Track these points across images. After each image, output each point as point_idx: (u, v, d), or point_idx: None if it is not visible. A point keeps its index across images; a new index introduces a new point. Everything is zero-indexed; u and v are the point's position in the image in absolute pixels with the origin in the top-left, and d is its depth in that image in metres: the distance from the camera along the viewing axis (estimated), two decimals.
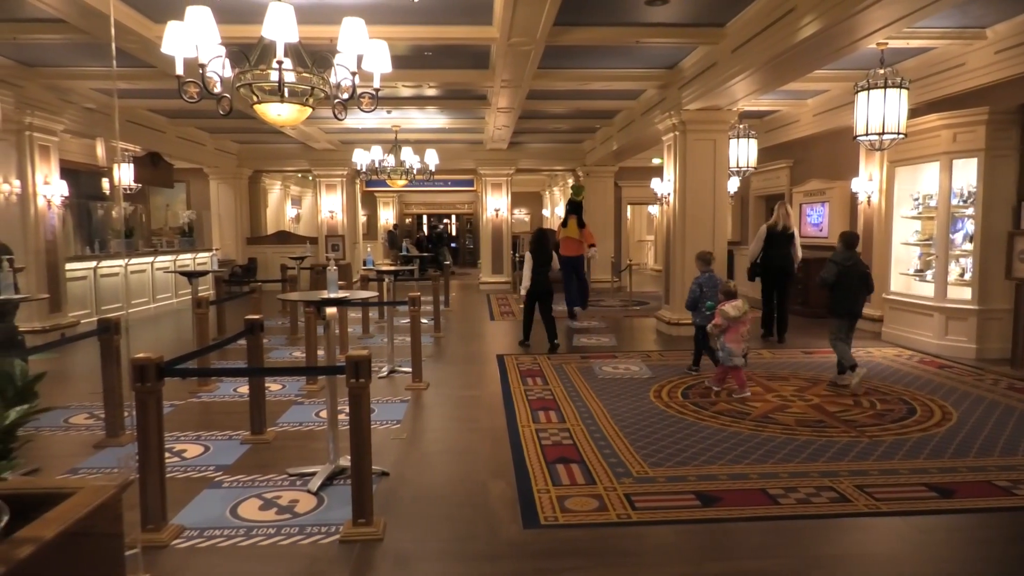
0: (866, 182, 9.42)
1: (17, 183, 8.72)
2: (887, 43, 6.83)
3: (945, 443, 4.79)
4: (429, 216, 27.91)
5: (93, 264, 10.55)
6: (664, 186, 9.83)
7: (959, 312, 7.69)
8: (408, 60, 8.02)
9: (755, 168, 10.42)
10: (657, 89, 9.55)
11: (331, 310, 4.37)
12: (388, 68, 4.34)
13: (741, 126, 9.77)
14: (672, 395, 6.15)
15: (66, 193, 9.61)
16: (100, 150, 12.23)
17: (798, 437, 4.93)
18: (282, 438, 5.04)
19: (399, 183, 11.88)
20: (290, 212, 21.52)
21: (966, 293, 7.70)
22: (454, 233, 27.83)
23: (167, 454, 4.01)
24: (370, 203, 23.67)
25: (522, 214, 25.58)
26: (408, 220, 27.23)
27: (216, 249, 15.10)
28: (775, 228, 8.72)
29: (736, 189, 11.45)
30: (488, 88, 9.26)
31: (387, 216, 25.07)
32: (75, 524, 1.54)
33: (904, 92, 6.87)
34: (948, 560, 3.27)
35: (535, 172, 19.85)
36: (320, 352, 6.39)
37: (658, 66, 8.70)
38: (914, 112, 7.67)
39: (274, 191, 19.85)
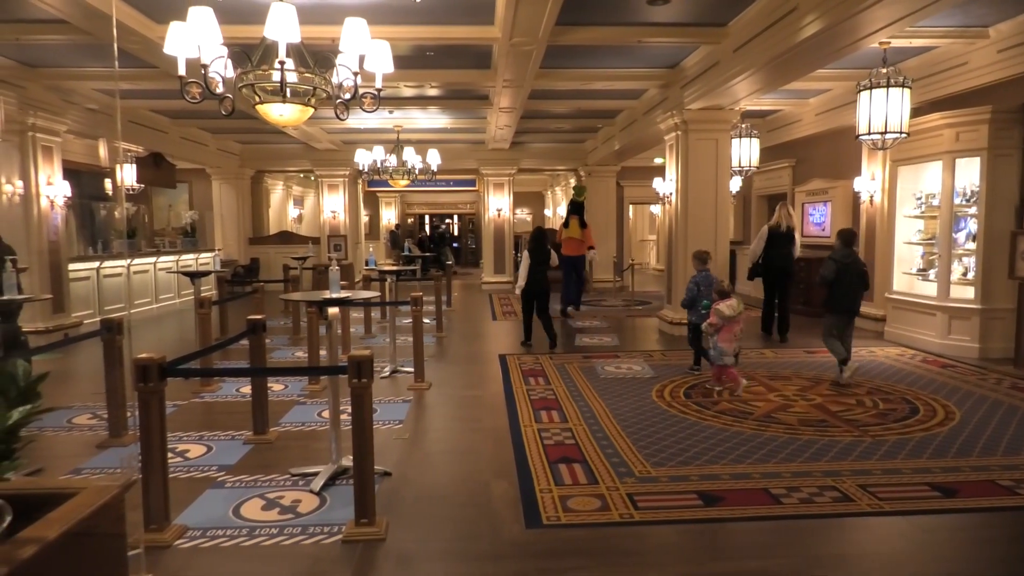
0: (868, 181, 9.41)
1: (20, 184, 8.74)
2: (889, 42, 6.82)
3: (948, 443, 4.78)
4: (431, 216, 27.90)
5: (96, 264, 10.57)
6: (666, 186, 9.82)
7: (962, 311, 7.67)
8: (410, 60, 8.02)
9: (757, 168, 10.42)
10: (659, 89, 9.54)
11: (333, 310, 4.37)
12: (390, 68, 4.34)
13: (743, 125, 9.76)
14: (674, 395, 6.14)
15: (69, 194, 9.62)
16: (103, 151, 12.24)
17: (801, 437, 4.92)
18: (284, 438, 5.05)
19: (401, 183, 11.89)
20: (292, 212, 21.55)
21: (969, 292, 7.69)
22: (456, 233, 27.83)
23: (170, 454, 4.01)
24: (372, 203, 23.69)
25: (524, 214, 25.57)
26: (410, 220, 27.23)
27: (218, 249, 15.12)
28: (777, 229, 8.75)
29: (738, 189, 11.45)
30: (490, 88, 9.25)
31: (389, 216, 25.10)
32: (78, 524, 1.54)
33: (906, 91, 6.86)
34: (951, 560, 3.27)
35: (537, 172, 19.86)
36: (322, 352, 6.40)
37: (660, 66, 8.69)
38: (916, 111, 7.65)
39: (276, 191, 19.87)
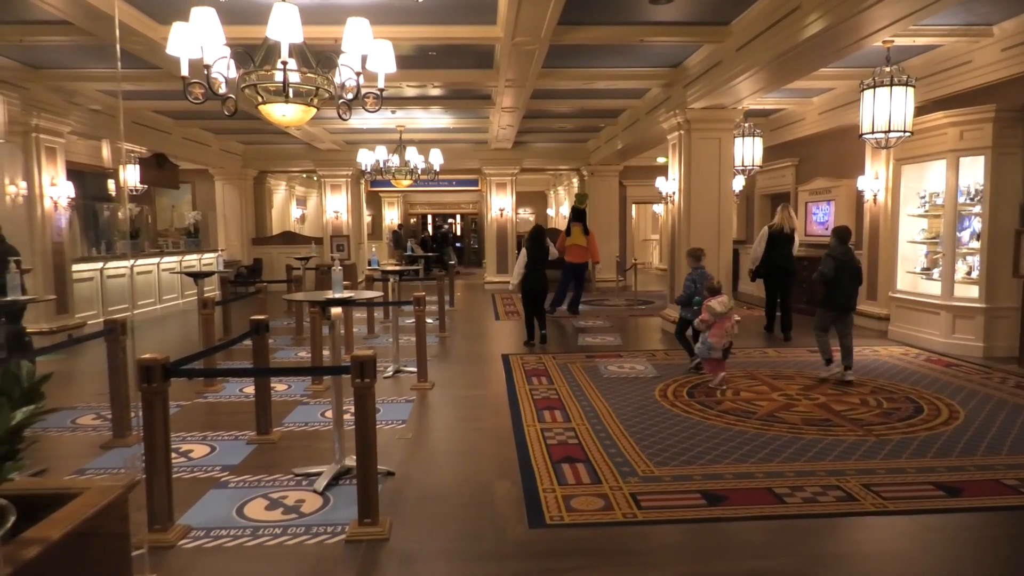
0: (872, 180, 9.39)
1: (24, 185, 8.76)
2: (893, 41, 6.80)
3: (952, 442, 4.77)
4: (434, 216, 27.91)
5: (99, 265, 10.59)
6: (669, 185, 9.81)
7: (966, 310, 7.65)
8: (412, 60, 8.02)
9: (760, 167, 10.42)
10: (662, 88, 9.53)
11: (336, 310, 4.38)
12: (392, 68, 4.34)
13: (746, 124, 9.75)
14: (678, 394, 6.13)
15: (72, 194, 9.65)
16: (106, 151, 12.29)
17: (804, 436, 4.91)
18: (288, 438, 5.05)
19: (404, 183, 11.90)
20: (295, 212, 21.58)
21: (973, 291, 7.67)
22: (459, 233, 27.84)
23: (173, 454, 4.01)
24: (375, 203, 23.69)
25: (527, 213, 25.56)
26: (413, 220, 27.23)
27: (221, 250, 15.17)
28: (778, 230, 8.79)
29: (741, 188, 11.44)
30: (492, 88, 9.25)
31: (392, 216, 25.11)
32: (82, 524, 1.55)
33: (910, 90, 6.84)
34: (956, 559, 3.26)
35: (539, 171, 19.85)
36: (325, 352, 6.41)
37: (663, 65, 8.68)
38: (920, 110, 7.64)
39: (279, 191, 19.90)
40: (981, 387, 6.27)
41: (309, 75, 4.11)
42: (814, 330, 6.71)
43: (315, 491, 3.96)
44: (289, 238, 17.13)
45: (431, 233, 26.34)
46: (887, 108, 6.81)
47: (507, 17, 6.11)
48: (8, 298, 5.18)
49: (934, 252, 8.32)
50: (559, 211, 23.42)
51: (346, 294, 4.56)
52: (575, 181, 18.76)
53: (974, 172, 7.65)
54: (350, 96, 4.23)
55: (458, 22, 6.83)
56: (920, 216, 8.55)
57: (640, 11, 6.56)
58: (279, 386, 6.44)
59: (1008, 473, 4.20)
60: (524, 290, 8.65)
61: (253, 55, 4.10)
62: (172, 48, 3.88)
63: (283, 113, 4.20)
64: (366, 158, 11.17)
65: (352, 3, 6.17)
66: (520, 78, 8.23)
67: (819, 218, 11.47)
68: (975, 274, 7.70)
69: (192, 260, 13.44)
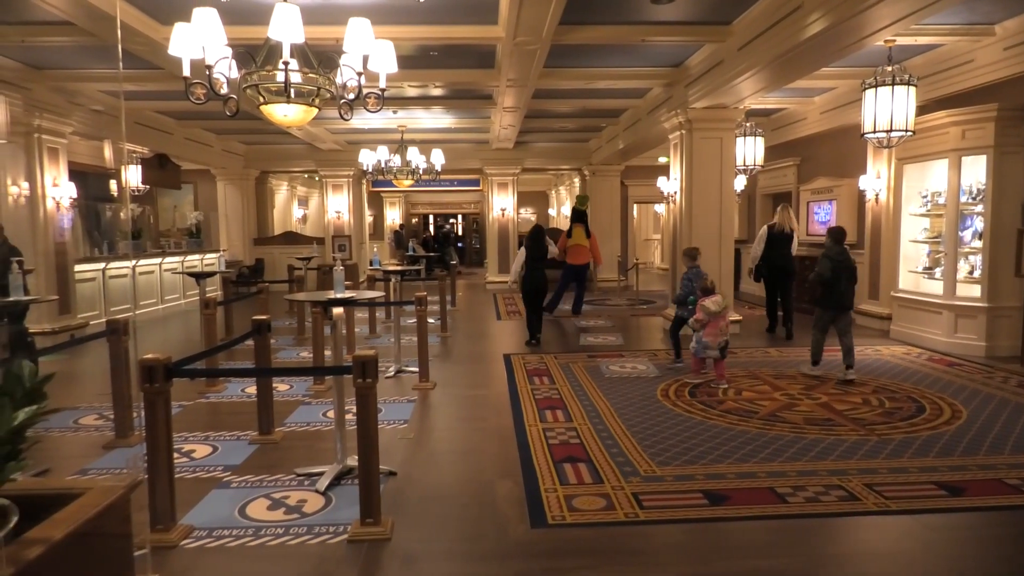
0: (874, 180, 9.38)
1: (26, 185, 8.77)
2: (895, 40, 6.79)
3: (955, 441, 4.76)
4: (435, 216, 27.92)
5: (102, 266, 10.61)
6: (670, 185, 9.81)
7: (968, 310, 7.64)
8: (414, 60, 8.02)
9: (762, 166, 10.40)
10: (663, 87, 9.53)
11: (338, 310, 4.38)
12: (394, 68, 4.34)
13: (748, 124, 9.74)
14: (679, 394, 6.13)
15: (74, 195, 9.66)
16: (108, 152, 12.29)
17: (806, 435, 4.91)
18: (290, 438, 5.05)
19: (405, 183, 11.90)
20: (297, 213, 21.59)
21: (975, 291, 7.66)
22: (460, 233, 27.84)
23: (176, 454, 4.02)
24: (376, 203, 23.71)
25: (528, 213, 25.56)
26: (414, 220, 27.25)
27: (223, 250, 15.19)
28: (779, 230, 8.82)
29: (743, 187, 11.43)
30: (494, 87, 9.25)
31: (393, 216, 25.12)
32: (84, 525, 1.55)
33: (912, 89, 6.83)
34: (958, 558, 3.25)
35: (541, 171, 19.84)
36: (327, 352, 6.41)
37: (664, 64, 8.68)
38: (922, 109, 7.63)
39: (281, 192, 19.92)
40: (983, 387, 6.26)
41: (311, 75, 4.11)
42: (812, 330, 6.75)
43: (317, 491, 3.96)
44: (291, 238, 17.15)
45: (433, 233, 26.34)
46: (889, 107, 6.80)
47: (508, 17, 6.10)
48: (11, 298, 5.18)
49: (936, 251, 8.31)
50: (560, 211, 23.42)
51: (348, 294, 4.56)
52: (576, 181, 18.77)
53: (976, 171, 7.64)
54: (352, 96, 4.24)
55: (459, 22, 6.83)
56: (922, 215, 8.53)
57: (641, 11, 6.55)
58: (281, 386, 6.44)
59: (1010, 473, 4.19)
60: (525, 290, 8.71)
61: (255, 55, 4.10)
62: (174, 48, 3.88)
63: (285, 113, 4.20)
64: (368, 158, 11.17)
65: (354, 3, 6.17)
66: (521, 78, 8.23)
67: (821, 217, 11.45)
68: (977, 273, 7.69)
69: (194, 260, 13.46)
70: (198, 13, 3.72)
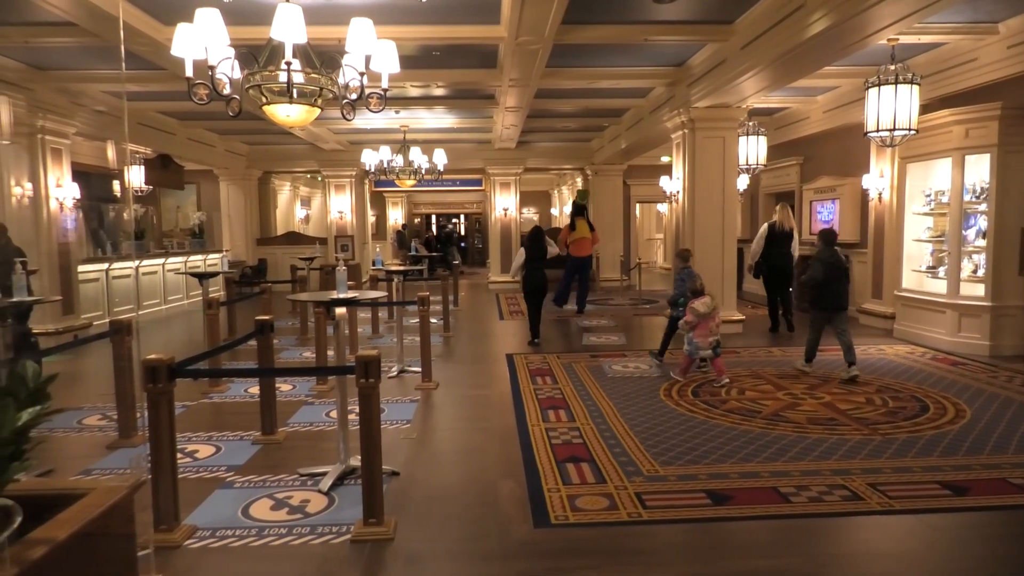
0: (877, 179, 9.36)
1: (29, 186, 8.79)
2: (898, 39, 6.78)
3: (958, 440, 4.75)
4: (438, 216, 27.94)
5: (105, 266, 10.62)
6: (673, 184, 9.80)
7: (972, 309, 7.63)
8: (416, 60, 8.02)
9: (764, 165, 10.39)
10: (666, 87, 9.52)
11: (341, 310, 4.38)
12: (396, 68, 4.34)
13: (750, 123, 9.72)
14: (682, 393, 6.13)
15: (78, 195, 9.67)
16: (111, 152, 12.32)
17: (809, 435, 4.90)
18: (293, 438, 5.06)
19: (408, 183, 11.91)
20: (299, 213, 21.61)
21: (979, 290, 7.64)
22: (463, 233, 27.84)
23: (179, 455, 4.03)
24: (379, 203, 23.73)
25: (531, 213, 25.56)
26: (417, 220, 27.27)
27: (226, 250, 15.18)
28: (779, 228, 8.84)
29: (745, 187, 11.41)
30: (496, 87, 9.25)
31: (396, 216, 25.13)
32: (88, 525, 1.55)
33: (915, 88, 6.82)
34: (962, 558, 3.24)
35: (544, 171, 19.84)
36: (330, 352, 6.40)
37: (667, 64, 8.67)
38: (925, 108, 7.61)
39: (283, 192, 19.94)
40: (987, 386, 6.24)
41: (313, 75, 4.12)
42: (809, 330, 6.85)
43: (320, 491, 3.97)
44: (293, 238, 17.17)
45: (435, 233, 26.36)
46: (892, 106, 6.79)
47: (511, 17, 6.10)
48: (14, 299, 5.19)
49: (940, 250, 8.29)
50: (563, 210, 23.41)
51: (350, 294, 4.57)
52: (579, 180, 18.75)
53: (980, 170, 7.63)
54: (354, 96, 4.24)
55: (462, 22, 6.83)
56: (925, 214, 8.51)
57: (644, 10, 6.55)
58: (284, 386, 6.45)
59: (1015, 472, 4.18)
60: (526, 290, 8.74)
61: (257, 56, 4.10)
62: (176, 49, 3.89)
63: (287, 114, 4.20)
64: (370, 158, 11.18)
65: (356, 3, 6.17)
66: (524, 78, 8.23)
67: (824, 217, 11.43)
68: (981, 272, 7.67)
69: (197, 261, 13.48)
70: (200, 13, 3.73)
